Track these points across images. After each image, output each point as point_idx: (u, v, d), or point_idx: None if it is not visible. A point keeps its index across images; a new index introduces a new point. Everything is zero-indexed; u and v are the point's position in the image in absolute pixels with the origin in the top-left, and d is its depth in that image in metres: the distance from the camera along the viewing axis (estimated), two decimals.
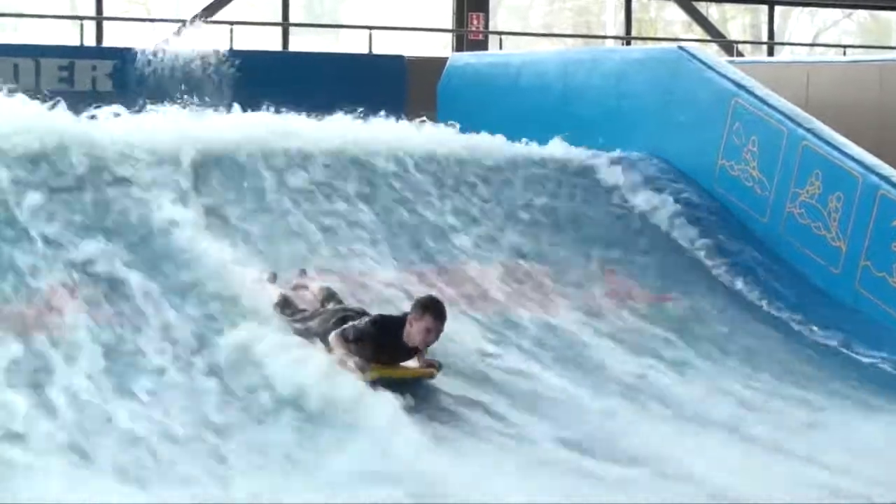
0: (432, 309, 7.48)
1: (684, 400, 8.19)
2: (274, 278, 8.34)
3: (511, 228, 10.18)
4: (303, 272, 8.59)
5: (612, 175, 11.28)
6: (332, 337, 7.47)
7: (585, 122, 12.11)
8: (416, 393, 7.42)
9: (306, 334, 7.66)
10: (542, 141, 11.55)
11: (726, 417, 7.95)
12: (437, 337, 7.51)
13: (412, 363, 7.63)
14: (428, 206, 10.02)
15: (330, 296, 8.11)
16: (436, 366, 7.66)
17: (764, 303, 10.07)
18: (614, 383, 8.33)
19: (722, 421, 7.90)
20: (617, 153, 11.57)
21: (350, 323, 7.56)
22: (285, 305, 7.96)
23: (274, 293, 8.06)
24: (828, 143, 10.46)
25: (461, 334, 8.44)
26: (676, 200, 11.07)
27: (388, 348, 7.49)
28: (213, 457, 6.51)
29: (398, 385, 7.27)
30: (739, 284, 10.28)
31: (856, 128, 12.02)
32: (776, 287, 10.24)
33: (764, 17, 27.77)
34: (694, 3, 26.25)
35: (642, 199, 11.06)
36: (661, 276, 10.14)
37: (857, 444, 7.60)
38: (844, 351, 9.43)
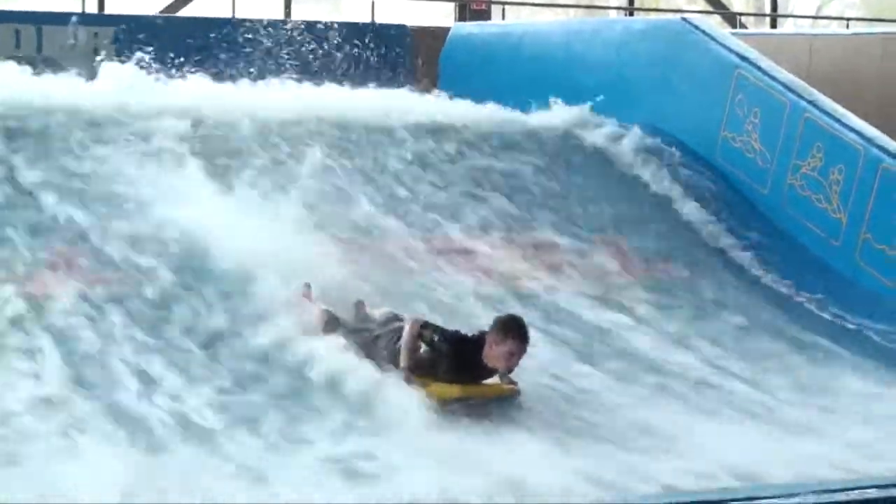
0: (515, 331, 7.01)
1: (686, 371, 8.23)
2: (309, 290, 7.80)
3: (510, 198, 10.20)
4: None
5: (613, 146, 11.30)
6: (408, 326, 7.07)
7: (587, 93, 12.08)
8: None
9: (371, 354, 7.21)
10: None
11: (724, 388, 8.00)
12: (519, 360, 7.05)
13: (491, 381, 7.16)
14: (423, 178, 10.08)
15: (394, 318, 7.47)
16: (516, 385, 7.15)
17: (763, 274, 10.09)
18: (613, 355, 8.35)
19: (720, 392, 7.94)
20: (618, 124, 11.57)
21: (430, 328, 7.12)
22: (333, 325, 7.42)
23: (316, 312, 7.54)
24: (830, 115, 10.45)
25: (462, 308, 8.48)
26: (678, 172, 11.07)
27: (465, 369, 7.03)
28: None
29: (479, 406, 6.98)
30: (739, 256, 10.30)
31: (858, 100, 12.01)
32: (776, 258, 10.25)
33: None
34: None
35: (643, 170, 11.07)
36: (662, 247, 10.16)
37: (857, 416, 7.64)
38: (843, 323, 9.45)
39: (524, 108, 11.57)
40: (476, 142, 10.76)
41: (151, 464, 6.08)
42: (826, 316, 9.52)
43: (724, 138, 11.29)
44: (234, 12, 19.25)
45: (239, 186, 8.71)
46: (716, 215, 10.67)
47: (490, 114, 11.27)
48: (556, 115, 11.57)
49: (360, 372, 7.01)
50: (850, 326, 9.38)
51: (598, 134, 11.40)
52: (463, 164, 10.45)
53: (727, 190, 11.02)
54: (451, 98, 11.54)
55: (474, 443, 6.53)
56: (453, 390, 7.00)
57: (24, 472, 5.85)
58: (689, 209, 10.72)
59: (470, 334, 7.19)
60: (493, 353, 6.98)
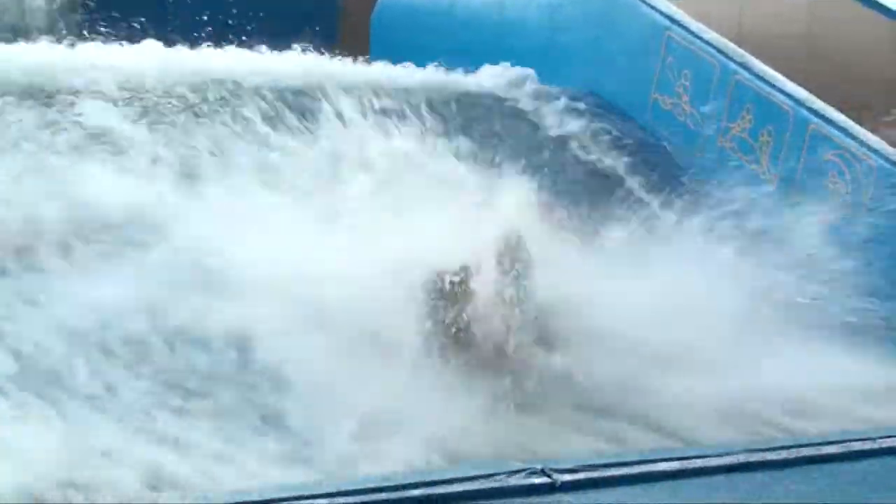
0: None
1: (617, 329, 8.25)
2: None
3: (443, 158, 10.18)
4: None
5: (544, 108, 11.29)
6: None
7: (520, 56, 12.05)
8: None
9: None
10: None
11: (658, 347, 8.04)
12: None
13: None
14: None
15: None
16: None
17: (697, 236, 10.14)
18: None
19: (650, 351, 7.98)
20: (551, 86, 11.56)
21: None
22: None
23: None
24: (759, 77, 10.51)
25: None
26: (609, 134, 11.09)
27: None
28: None
29: None
30: (672, 218, 10.33)
31: (787, 63, 12.07)
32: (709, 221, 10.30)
33: None
34: None
35: (575, 133, 11.08)
36: (594, 211, 10.16)
37: (780, 376, 7.72)
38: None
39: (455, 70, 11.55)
40: (404, 101, 10.73)
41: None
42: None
43: (655, 101, 11.31)
44: None
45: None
46: (647, 178, 10.70)
47: (413, 73, 11.23)
48: (486, 77, 11.54)
49: None
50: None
51: (528, 97, 11.38)
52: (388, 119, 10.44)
53: (658, 152, 11.06)
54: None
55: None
56: None
57: None
58: (621, 172, 10.74)
59: None
60: None
